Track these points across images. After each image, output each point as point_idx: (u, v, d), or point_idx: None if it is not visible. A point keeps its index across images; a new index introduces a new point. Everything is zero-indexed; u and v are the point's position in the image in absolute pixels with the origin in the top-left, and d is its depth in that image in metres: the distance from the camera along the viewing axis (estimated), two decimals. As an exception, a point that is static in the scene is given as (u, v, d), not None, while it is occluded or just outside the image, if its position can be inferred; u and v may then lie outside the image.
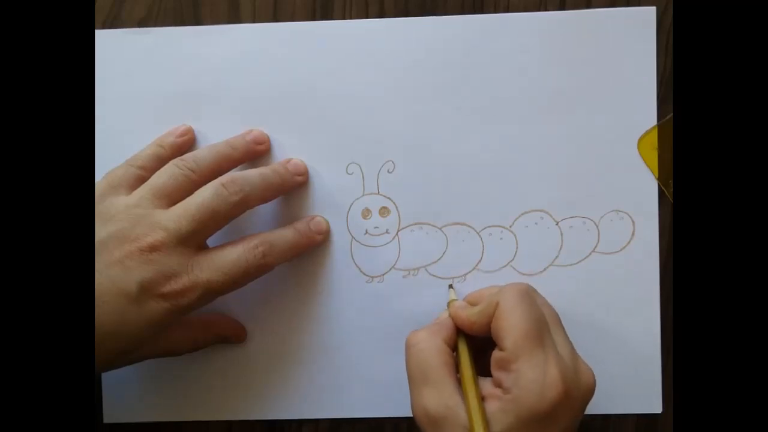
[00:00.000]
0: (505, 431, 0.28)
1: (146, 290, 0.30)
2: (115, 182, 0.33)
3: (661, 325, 0.36)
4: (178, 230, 0.31)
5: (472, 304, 0.33)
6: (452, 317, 0.33)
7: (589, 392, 0.30)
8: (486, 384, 0.30)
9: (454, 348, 0.32)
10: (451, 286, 0.36)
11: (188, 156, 0.33)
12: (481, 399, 0.29)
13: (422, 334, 0.32)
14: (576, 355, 0.30)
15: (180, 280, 0.30)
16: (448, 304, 0.34)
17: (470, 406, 0.29)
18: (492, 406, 0.29)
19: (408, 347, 0.32)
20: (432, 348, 0.31)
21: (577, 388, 0.29)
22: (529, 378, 0.28)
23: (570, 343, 0.31)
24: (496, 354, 0.30)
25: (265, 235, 0.33)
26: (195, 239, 0.31)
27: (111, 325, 0.29)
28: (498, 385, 0.29)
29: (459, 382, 0.30)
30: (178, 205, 0.32)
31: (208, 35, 0.36)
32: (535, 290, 0.32)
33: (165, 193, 0.32)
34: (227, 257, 0.32)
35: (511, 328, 0.29)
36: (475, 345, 0.32)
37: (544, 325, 0.30)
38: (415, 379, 0.31)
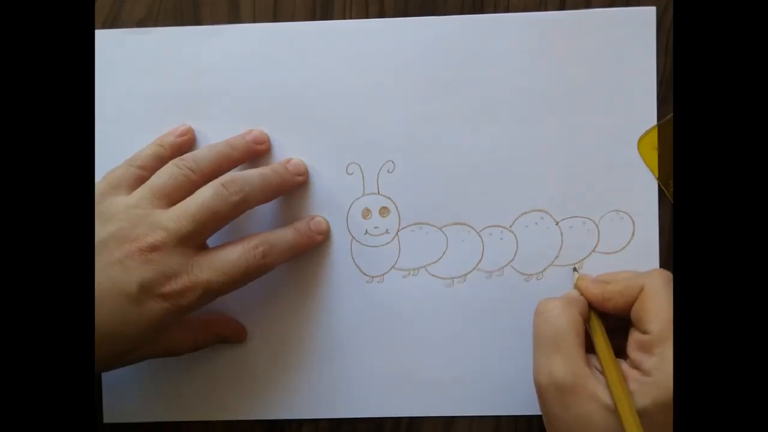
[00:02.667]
0: (639, 413, 0.28)
1: (146, 290, 0.30)
2: (114, 182, 0.33)
3: (661, 325, 0.36)
4: (178, 230, 0.31)
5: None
6: (582, 290, 0.33)
7: None
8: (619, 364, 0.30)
9: (585, 323, 0.32)
10: (575, 269, 0.36)
11: (188, 156, 0.33)
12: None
13: (556, 302, 0.32)
14: None
15: (180, 280, 0.30)
16: (577, 279, 0.35)
17: (613, 379, 0.29)
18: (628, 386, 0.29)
19: (539, 313, 0.32)
20: (566, 316, 0.31)
21: None
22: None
23: None
24: (637, 336, 0.30)
25: (265, 235, 0.33)
26: (195, 239, 0.31)
27: (111, 326, 0.29)
28: (636, 366, 0.30)
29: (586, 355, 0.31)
30: (178, 205, 0.32)
31: (208, 35, 0.36)
32: None
33: (165, 193, 0.32)
34: (227, 257, 0.32)
35: (659, 312, 0.29)
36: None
37: None
38: (544, 344, 0.31)
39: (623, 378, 0.29)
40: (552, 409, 0.30)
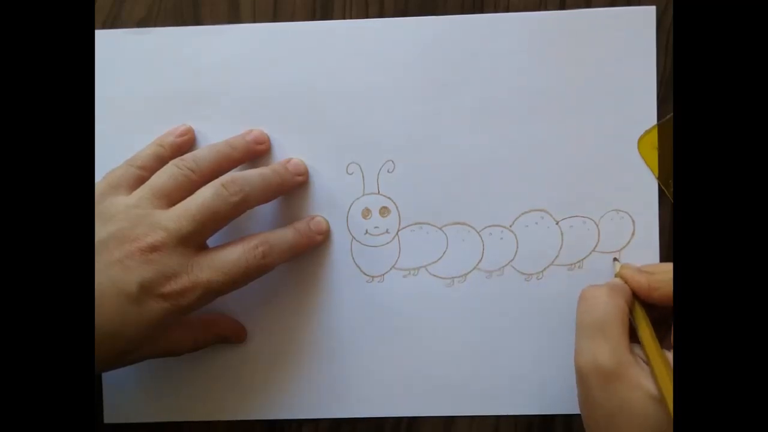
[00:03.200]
0: None
1: (146, 290, 0.30)
2: (114, 182, 0.33)
3: (661, 325, 0.36)
4: (179, 230, 0.31)
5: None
6: (627, 278, 0.33)
7: None
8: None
9: (630, 312, 0.32)
10: (616, 259, 0.36)
11: (188, 156, 0.33)
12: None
13: (602, 289, 0.31)
14: None
15: (180, 281, 0.30)
16: (621, 267, 0.34)
17: (659, 368, 0.29)
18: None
19: (584, 299, 0.31)
20: (612, 303, 0.31)
21: None
22: None
23: None
24: None
25: (265, 235, 0.33)
26: (195, 239, 0.31)
27: (111, 326, 0.29)
28: None
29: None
30: (179, 205, 0.32)
31: (208, 35, 0.36)
32: None
33: (165, 193, 0.32)
34: (227, 257, 0.32)
35: None
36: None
37: None
38: (588, 328, 0.30)
39: (668, 362, 0.29)
40: (592, 395, 0.29)
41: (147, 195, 0.32)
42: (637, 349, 0.31)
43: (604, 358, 0.29)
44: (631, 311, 0.32)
